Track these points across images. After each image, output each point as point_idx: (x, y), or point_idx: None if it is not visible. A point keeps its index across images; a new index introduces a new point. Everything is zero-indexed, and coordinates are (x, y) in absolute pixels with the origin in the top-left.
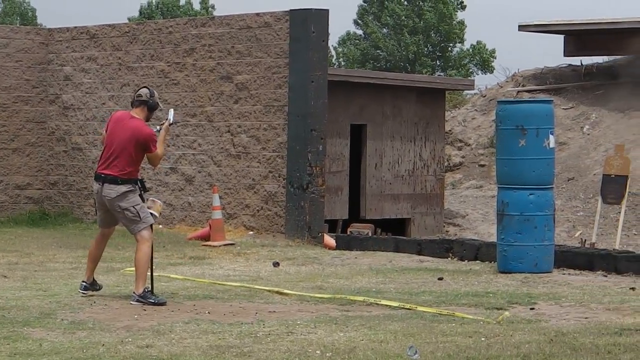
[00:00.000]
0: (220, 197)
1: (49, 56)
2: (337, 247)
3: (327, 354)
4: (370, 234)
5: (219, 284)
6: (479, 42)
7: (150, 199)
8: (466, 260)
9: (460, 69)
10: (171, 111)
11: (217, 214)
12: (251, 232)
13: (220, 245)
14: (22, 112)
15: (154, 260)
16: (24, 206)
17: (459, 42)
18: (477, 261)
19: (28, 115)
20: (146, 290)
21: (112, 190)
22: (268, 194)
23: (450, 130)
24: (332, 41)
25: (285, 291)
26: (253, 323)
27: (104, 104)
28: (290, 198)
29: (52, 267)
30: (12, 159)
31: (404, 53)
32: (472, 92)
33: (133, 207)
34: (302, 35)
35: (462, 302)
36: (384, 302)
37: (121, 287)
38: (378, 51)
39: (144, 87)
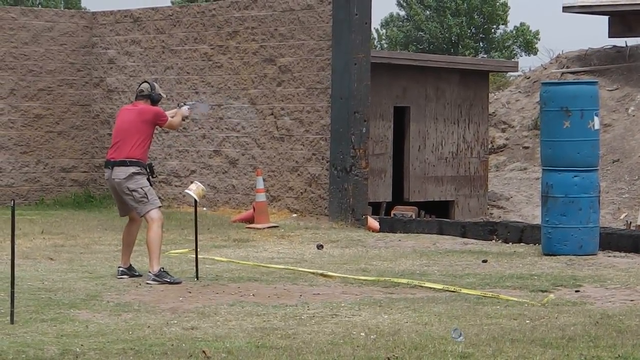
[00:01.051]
0: (264, 180)
1: (93, 39)
2: (381, 230)
3: (372, 336)
4: (413, 217)
5: (263, 266)
6: (522, 24)
7: (194, 182)
8: (510, 243)
9: (503, 51)
10: (203, 106)
11: (261, 197)
12: (295, 215)
13: (264, 228)
14: (66, 95)
15: (198, 242)
16: (69, 189)
17: (502, 24)
18: (522, 243)
19: (73, 98)
20: (162, 269)
21: (121, 172)
22: (311, 177)
23: (493, 112)
24: (375, 23)
25: (329, 273)
26: (297, 305)
27: None
28: (333, 180)
29: (98, 249)
30: (57, 141)
31: (446, 35)
32: (516, 73)
33: (141, 188)
34: (345, 17)
35: (507, 284)
36: (428, 284)
37: (166, 268)
38: (421, 33)
39: (145, 81)
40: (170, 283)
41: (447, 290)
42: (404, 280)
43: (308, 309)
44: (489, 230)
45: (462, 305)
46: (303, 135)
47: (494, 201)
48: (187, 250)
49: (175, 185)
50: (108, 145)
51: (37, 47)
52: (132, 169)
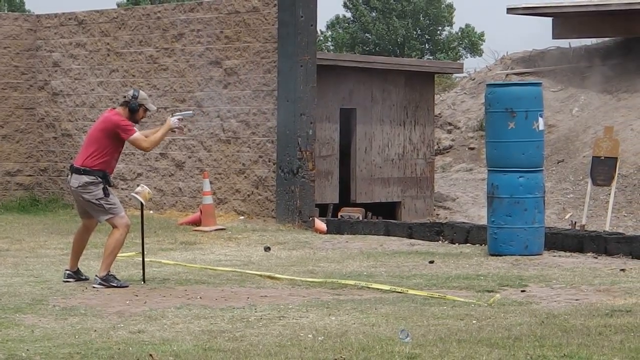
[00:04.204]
0: (211, 182)
1: (38, 42)
2: (328, 231)
3: (319, 338)
4: (360, 218)
5: (210, 269)
6: (467, 25)
7: (140, 185)
8: (457, 244)
9: (449, 52)
10: (189, 113)
11: (208, 199)
12: (242, 217)
13: (211, 230)
14: (11, 98)
15: (144, 245)
16: (14, 193)
17: (448, 26)
18: (468, 244)
19: (17, 101)
20: (109, 274)
21: (75, 180)
22: (258, 179)
23: (439, 114)
24: (321, 25)
25: (277, 275)
26: (245, 308)
27: (93, 90)
28: (280, 183)
29: (43, 253)
30: (1, 145)
31: (392, 37)
32: (461, 75)
33: (96, 199)
34: (290, 19)
35: (453, 285)
36: (375, 285)
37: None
38: (367, 35)
39: (133, 88)
40: (116, 287)
41: (394, 292)
42: (352, 282)
43: (255, 312)
44: (436, 231)
45: (409, 306)
46: (250, 138)
47: (441, 202)
48: (133, 253)
49: (122, 189)
50: (53, 149)
51: None
52: (86, 179)
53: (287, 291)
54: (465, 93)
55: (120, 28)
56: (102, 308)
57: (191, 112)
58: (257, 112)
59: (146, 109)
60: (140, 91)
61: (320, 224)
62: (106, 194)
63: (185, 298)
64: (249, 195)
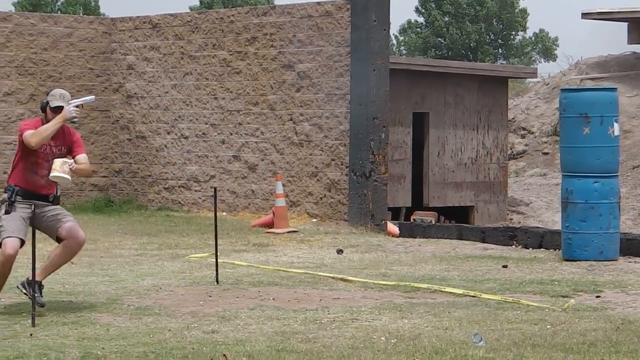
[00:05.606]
0: (284, 185)
1: (112, 45)
2: (401, 235)
3: (392, 341)
4: (433, 222)
5: (283, 270)
6: (541, 30)
7: (54, 160)
8: (530, 248)
9: (522, 57)
10: (86, 99)
11: (281, 202)
12: (314, 220)
13: (283, 233)
14: None
15: (218, 246)
16: (89, 193)
17: (522, 30)
18: (542, 249)
19: (92, 104)
20: None
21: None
22: (331, 182)
23: (513, 118)
24: (393, 29)
25: (349, 278)
26: (317, 309)
27: (166, 92)
28: (353, 186)
29: (118, 253)
30: None
31: (465, 41)
32: (535, 80)
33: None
34: (363, 23)
35: (527, 289)
36: (448, 289)
37: (186, 273)
38: (439, 39)
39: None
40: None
41: (467, 295)
42: (424, 285)
43: (328, 313)
44: (509, 236)
45: (483, 310)
46: (322, 141)
47: (514, 207)
48: (207, 254)
49: (195, 190)
50: (127, 150)
51: (56, 52)
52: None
53: (360, 294)
54: (539, 98)
55: (193, 32)
56: (176, 308)
57: (92, 97)
58: (330, 115)
59: (54, 108)
60: (57, 89)
61: (393, 227)
62: (7, 211)
63: (258, 299)
64: (321, 198)
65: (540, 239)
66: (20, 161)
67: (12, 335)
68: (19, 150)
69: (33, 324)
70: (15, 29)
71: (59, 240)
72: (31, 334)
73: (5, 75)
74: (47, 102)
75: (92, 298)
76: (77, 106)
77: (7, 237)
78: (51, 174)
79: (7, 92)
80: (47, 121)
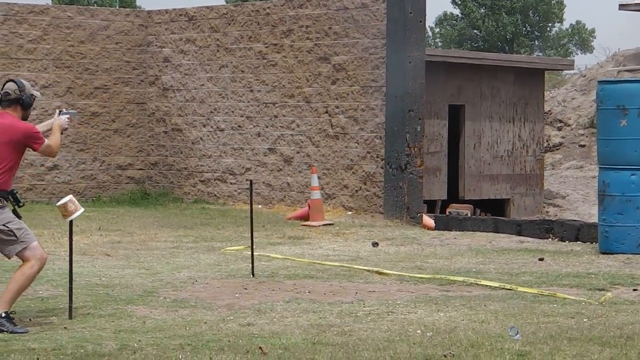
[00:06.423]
0: (319, 178)
1: (148, 38)
2: (436, 228)
3: (428, 334)
4: (469, 215)
5: (318, 263)
6: (578, 22)
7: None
8: (567, 241)
9: (559, 49)
10: (71, 112)
11: (316, 194)
12: (350, 212)
13: (319, 225)
14: (122, 93)
15: (253, 239)
16: (126, 186)
17: (558, 22)
18: (578, 242)
19: (128, 96)
20: (9, 313)
21: None
22: (366, 175)
23: (549, 111)
24: (429, 21)
25: (385, 271)
26: (353, 302)
27: (202, 85)
28: (388, 178)
29: (154, 246)
30: (113, 139)
31: (501, 33)
32: (572, 72)
33: (3, 225)
34: (399, 15)
35: (563, 282)
36: (484, 282)
37: (222, 265)
38: (475, 31)
39: (10, 80)
40: (9, 332)
41: (503, 288)
42: (460, 278)
43: (364, 306)
44: (545, 229)
45: (519, 303)
46: (357, 134)
47: (550, 199)
48: (242, 247)
49: (231, 183)
50: (163, 143)
51: (93, 45)
52: None
53: (395, 287)
54: (575, 90)
55: (229, 24)
56: (212, 301)
57: (75, 111)
58: (366, 108)
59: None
60: (22, 80)
61: (428, 220)
62: (18, 215)
63: (293, 292)
64: (357, 191)
65: (576, 232)
66: (15, 166)
67: (49, 327)
68: (14, 157)
69: (70, 317)
70: (52, 22)
71: None
72: (65, 327)
73: (42, 68)
74: (33, 96)
75: (129, 291)
76: (68, 118)
77: (35, 242)
78: (70, 218)
79: (44, 85)
80: (23, 119)
